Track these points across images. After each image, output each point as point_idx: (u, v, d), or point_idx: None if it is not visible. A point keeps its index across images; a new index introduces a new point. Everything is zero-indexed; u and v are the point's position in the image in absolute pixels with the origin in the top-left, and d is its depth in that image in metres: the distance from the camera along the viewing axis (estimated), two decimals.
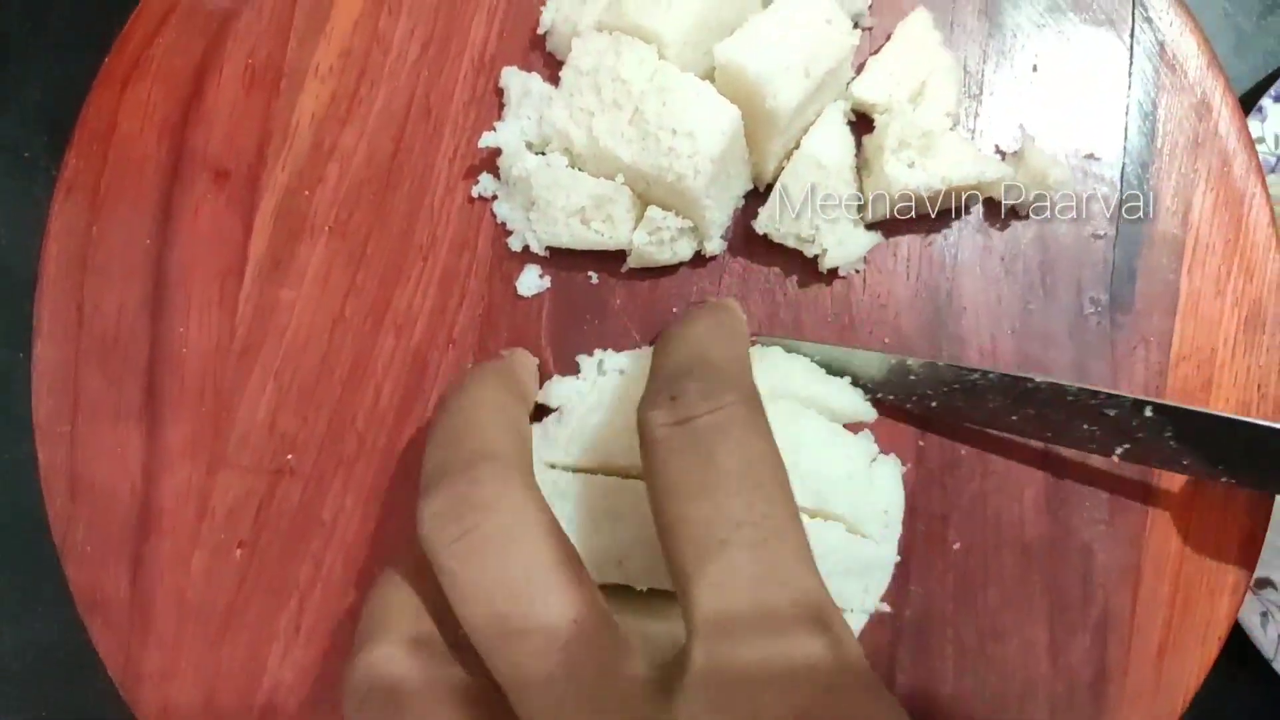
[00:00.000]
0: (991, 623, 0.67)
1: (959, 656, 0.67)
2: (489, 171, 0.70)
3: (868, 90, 0.66)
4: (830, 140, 0.65)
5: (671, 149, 0.61)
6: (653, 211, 0.64)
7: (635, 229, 0.66)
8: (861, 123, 0.68)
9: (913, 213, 0.68)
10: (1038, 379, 0.63)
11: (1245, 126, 0.69)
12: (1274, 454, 0.61)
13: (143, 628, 0.69)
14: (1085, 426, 0.63)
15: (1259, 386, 0.67)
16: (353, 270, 0.70)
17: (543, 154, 0.67)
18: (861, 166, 0.67)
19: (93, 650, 0.76)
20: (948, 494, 0.68)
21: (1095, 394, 0.62)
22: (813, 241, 0.66)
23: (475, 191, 0.70)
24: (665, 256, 0.67)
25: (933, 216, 0.68)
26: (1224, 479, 0.63)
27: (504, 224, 0.70)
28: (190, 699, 0.69)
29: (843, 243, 0.66)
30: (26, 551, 0.86)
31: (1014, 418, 0.64)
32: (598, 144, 0.64)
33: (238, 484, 0.69)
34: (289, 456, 0.69)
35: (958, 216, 0.69)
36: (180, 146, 0.71)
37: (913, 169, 0.64)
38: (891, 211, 0.66)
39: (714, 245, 0.68)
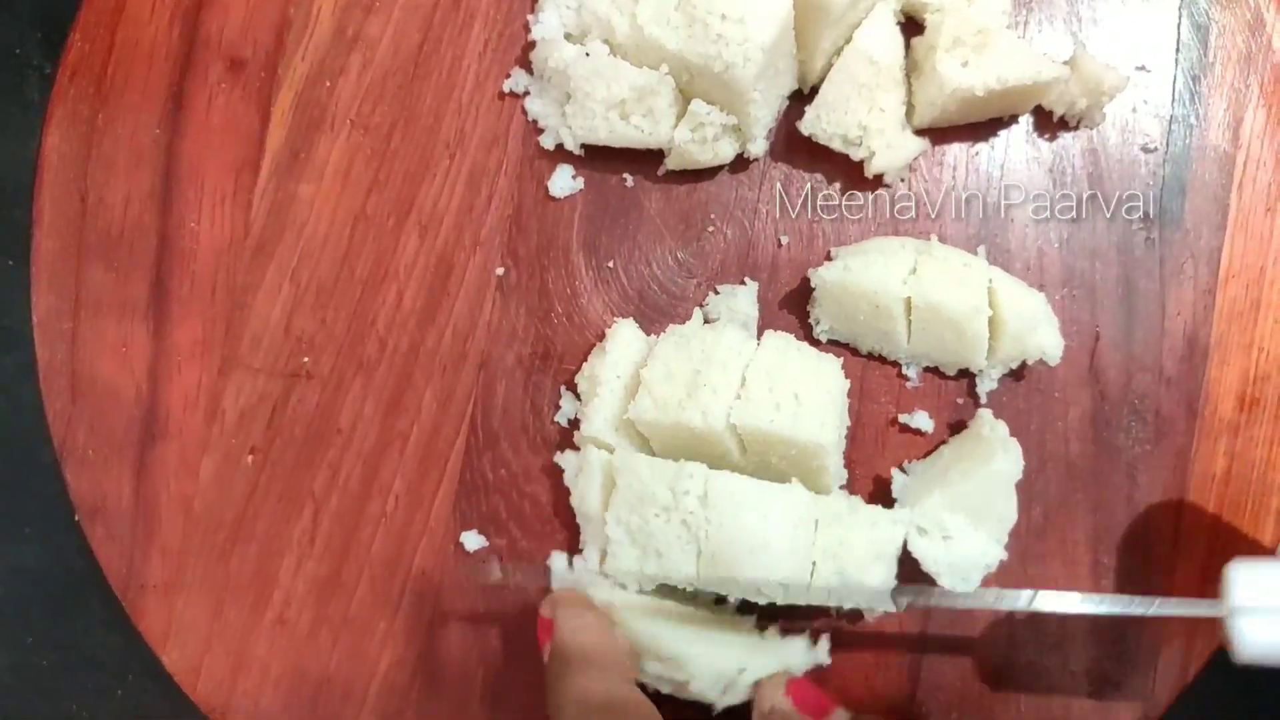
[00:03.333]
0: (1035, 544, 0.65)
1: (1000, 578, 0.65)
2: (521, 66, 0.67)
3: None
4: (881, 38, 0.63)
5: (720, 36, 0.58)
6: (696, 105, 0.62)
7: (676, 126, 0.63)
8: (911, 27, 0.66)
9: (961, 120, 0.66)
10: None
11: None
12: None
13: (146, 536, 0.66)
14: None
15: None
16: (375, 166, 0.67)
17: (581, 45, 0.64)
18: (911, 70, 0.65)
19: (83, 577, 0.72)
20: (993, 411, 0.65)
21: None
22: (859, 144, 0.64)
23: (507, 86, 0.67)
24: (706, 157, 0.64)
25: (982, 123, 0.66)
26: None
27: (535, 121, 0.67)
28: (196, 611, 0.65)
29: (890, 146, 0.64)
30: (15, 473, 0.81)
31: None
32: (642, 32, 0.61)
33: (250, 387, 0.66)
34: (305, 359, 0.66)
35: (1006, 126, 0.67)
36: (193, 32, 0.68)
37: (966, 68, 0.61)
38: (941, 115, 0.64)
39: (757, 146, 0.65)
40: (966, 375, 0.66)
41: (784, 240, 0.67)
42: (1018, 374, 0.65)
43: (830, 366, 0.62)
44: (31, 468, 0.76)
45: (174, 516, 0.66)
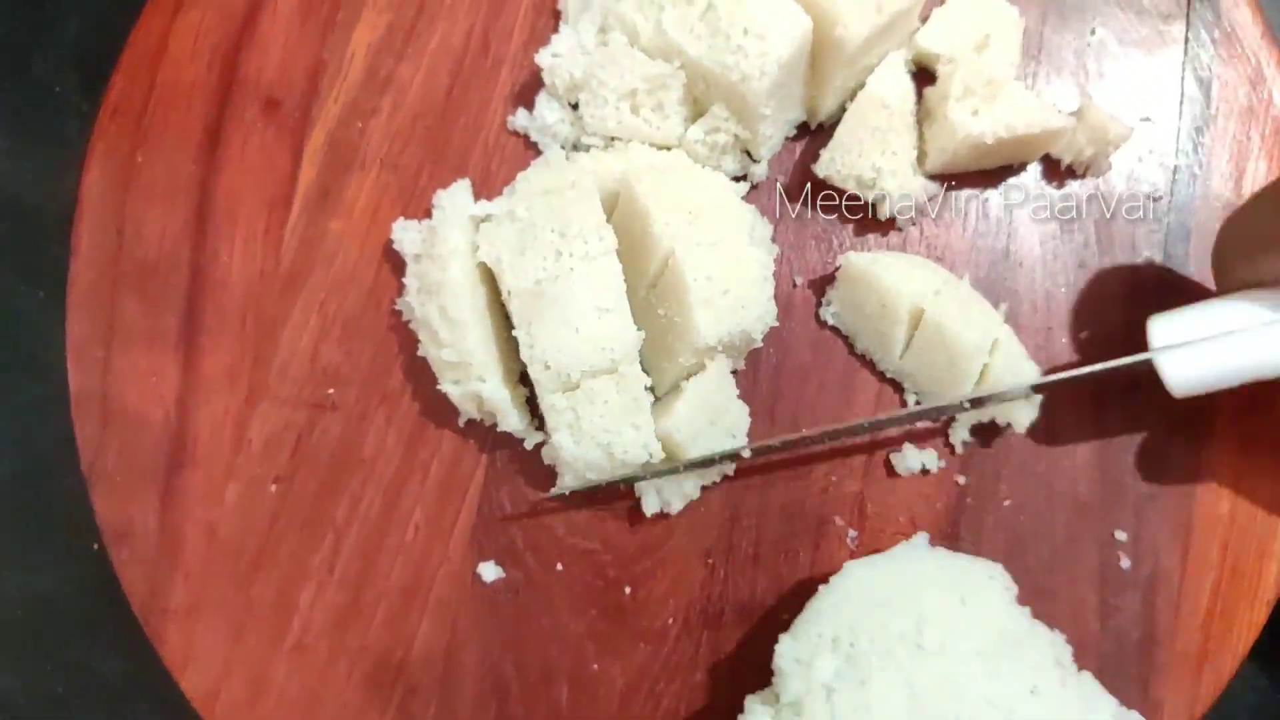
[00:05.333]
0: (1042, 581, 0.66)
1: None
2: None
3: (933, 39, 0.66)
4: (894, 83, 0.65)
5: (740, 47, 0.61)
6: (718, 108, 0.64)
7: (688, 129, 0.66)
8: (923, 77, 0.68)
9: (972, 166, 0.68)
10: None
11: None
12: None
13: (170, 560, 0.67)
14: None
15: None
16: (404, 204, 0.69)
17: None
18: (924, 118, 0.67)
19: (99, 605, 0.73)
20: (999, 450, 0.67)
21: None
22: (873, 185, 0.66)
23: (510, 124, 0.69)
24: (710, 165, 0.66)
25: (992, 170, 0.68)
26: None
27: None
28: (216, 636, 0.66)
29: (903, 187, 0.66)
30: (34, 498, 0.83)
31: None
32: (665, 36, 0.63)
33: (276, 416, 0.67)
34: (330, 390, 0.68)
35: (1015, 173, 0.69)
36: (231, 74, 0.70)
37: (976, 116, 0.64)
38: (952, 161, 0.66)
39: (760, 169, 0.67)
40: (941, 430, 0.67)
41: (798, 280, 0.69)
42: (986, 438, 0.67)
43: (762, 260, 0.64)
44: (53, 495, 0.77)
45: (198, 542, 0.67)
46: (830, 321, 0.68)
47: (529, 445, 0.66)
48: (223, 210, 0.69)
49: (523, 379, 0.66)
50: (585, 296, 0.60)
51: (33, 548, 0.85)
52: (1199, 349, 0.59)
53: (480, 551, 0.67)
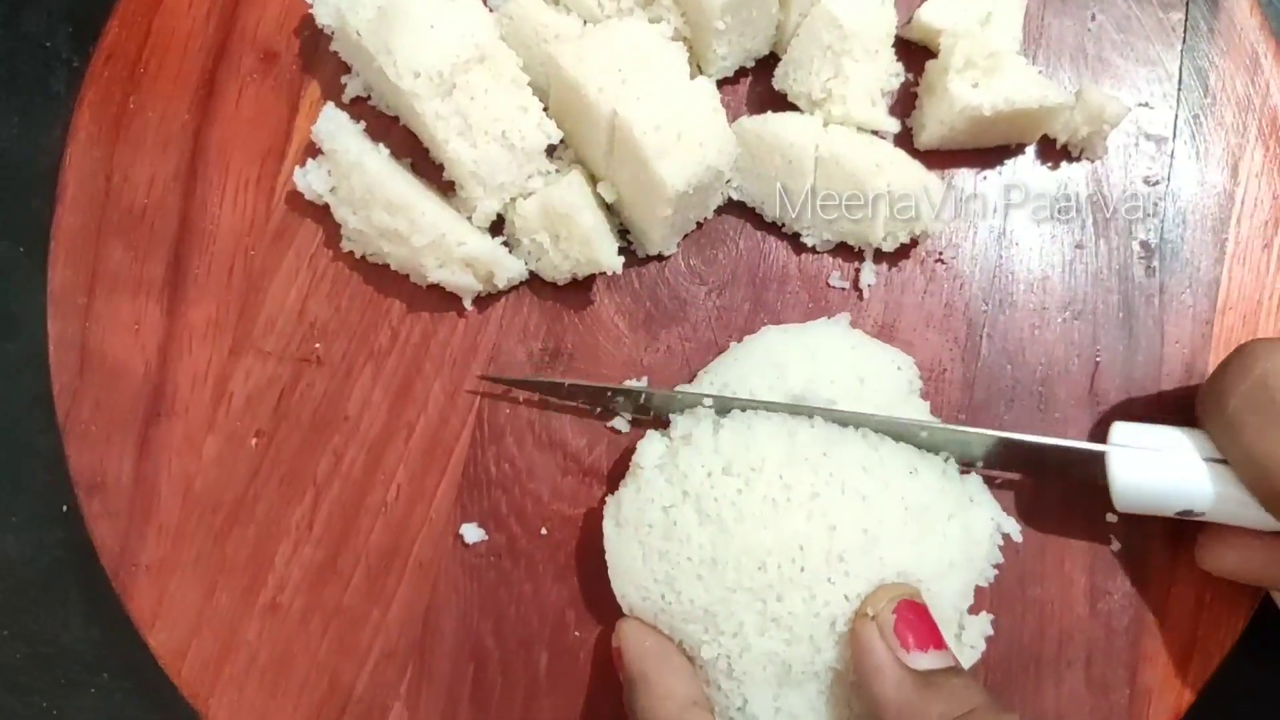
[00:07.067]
0: (1031, 564, 0.65)
1: (997, 596, 0.65)
2: None
3: (935, 15, 0.66)
4: (853, 3, 0.64)
5: None
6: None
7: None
8: (923, 53, 0.69)
9: (970, 143, 0.68)
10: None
11: None
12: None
13: (144, 514, 0.65)
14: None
15: None
16: (399, 156, 0.68)
17: None
18: (924, 92, 0.67)
19: (64, 569, 0.71)
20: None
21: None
22: (823, 106, 0.66)
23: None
24: None
25: (990, 150, 0.68)
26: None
27: None
28: (188, 593, 0.64)
29: (853, 117, 0.65)
30: (7, 460, 0.80)
31: None
32: None
33: (260, 370, 0.66)
34: (317, 345, 0.66)
35: (1013, 155, 0.69)
36: (230, 24, 0.70)
37: (976, 89, 0.64)
38: (950, 135, 0.66)
39: None
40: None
41: (796, 256, 0.68)
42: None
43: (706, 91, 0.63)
44: (24, 456, 0.75)
45: (173, 496, 0.65)
46: (735, 197, 0.68)
47: (529, 267, 0.67)
48: (215, 160, 0.68)
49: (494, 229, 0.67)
50: None
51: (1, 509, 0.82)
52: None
53: (464, 514, 0.65)
